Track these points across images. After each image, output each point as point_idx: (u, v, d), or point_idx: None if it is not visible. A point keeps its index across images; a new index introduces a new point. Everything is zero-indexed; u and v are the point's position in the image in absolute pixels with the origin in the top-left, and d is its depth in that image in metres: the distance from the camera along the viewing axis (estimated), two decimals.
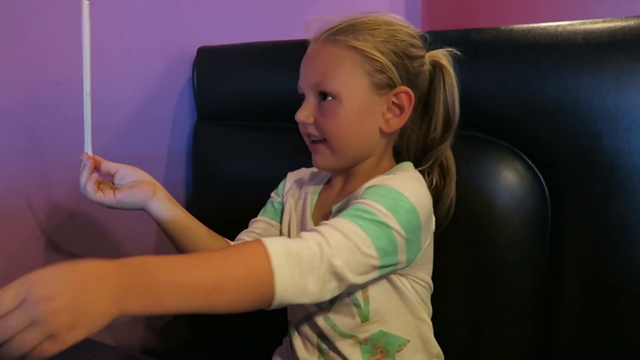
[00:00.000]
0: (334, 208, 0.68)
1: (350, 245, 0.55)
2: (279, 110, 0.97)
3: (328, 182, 0.77)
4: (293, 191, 0.80)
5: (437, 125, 0.70)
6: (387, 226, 0.58)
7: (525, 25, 0.72)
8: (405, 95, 0.66)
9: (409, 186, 0.63)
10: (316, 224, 0.71)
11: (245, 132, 1.03)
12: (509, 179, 0.73)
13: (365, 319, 0.66)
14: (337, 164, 0.70)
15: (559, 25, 0.70)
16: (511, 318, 0.75)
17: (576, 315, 0.72)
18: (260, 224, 0.79)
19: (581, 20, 0.69)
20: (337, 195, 0.73)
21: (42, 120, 0.83)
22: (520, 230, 0.74)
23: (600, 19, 0.68)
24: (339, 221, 0.57)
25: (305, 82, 0.68)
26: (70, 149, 0.87)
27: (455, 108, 0.69)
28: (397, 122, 0.67)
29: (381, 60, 0.64)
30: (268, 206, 0.82)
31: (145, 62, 0.98)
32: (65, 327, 0.40)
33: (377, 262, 0.57)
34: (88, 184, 0.67)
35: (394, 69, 0.65)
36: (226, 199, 1.03)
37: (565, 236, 0.72)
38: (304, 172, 0.83)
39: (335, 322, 0.67)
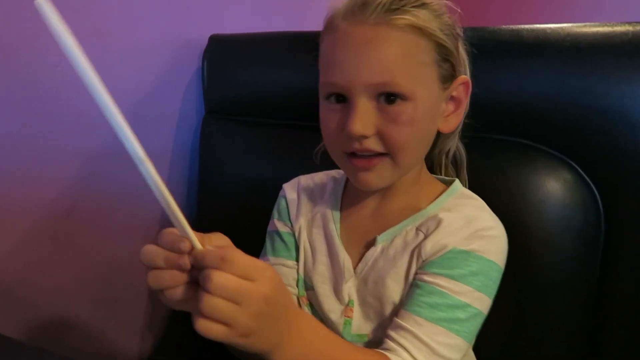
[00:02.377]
0: (380, 238, 0.59)
1: None
2: (294, 106, 0.91)
3: (344, 194, 0.66)
4: (304, 215, 0.66)
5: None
6: (480, 313, 0.54)
7: (582, 25, 0.66)
8: (464, 87, 0.58)
9: (497, 242, 0.56)
10: (349, 251, 0.62)
11: (256, 128, 0.96)
12: (560, 192, 0.67)
13: None
14: (392, 181, 0.58)
15: (624, 25, 0.63)
16: (554, 343, 0.69)
17: (624, 343, 0.66)
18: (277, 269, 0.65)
19: None
20: (371, 215, 0.62)
21: (39, 108, 0.75)
22: (569, 249, 0.67)
23: None
24: (433, 332, 0.52)
25: (359, 81, 0.51)
26: (69, 141, 0.79)
27: None
28: (456, 120, 0.59)
29: (447, 45, 0.54)
30: (276, 242, 0.67)
31: (152, 50, 0.90)
32: (243, 331, 0.39)
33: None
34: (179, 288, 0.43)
35: (457, 55, 0.56)
36: (234, 198, 0.96)
37: (618, 258, 0.66)
38: (304, 184, 0.70)
39: None
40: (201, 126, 1.01)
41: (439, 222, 0.57)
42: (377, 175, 0.55)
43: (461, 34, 0.58)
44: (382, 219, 0.61)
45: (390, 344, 0.52)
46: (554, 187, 0.67)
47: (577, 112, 0.65)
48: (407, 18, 0.51)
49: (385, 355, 0.50)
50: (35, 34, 0.72)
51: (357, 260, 0.61)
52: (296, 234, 0.66)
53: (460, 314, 0.53)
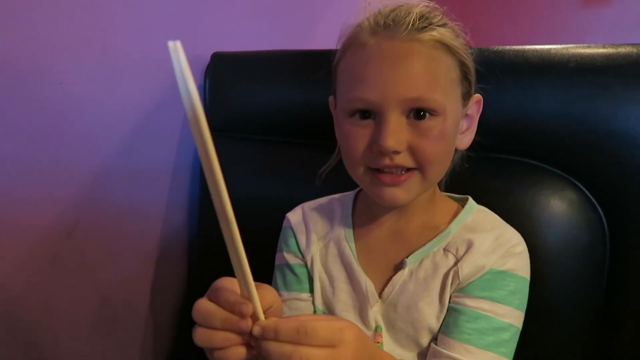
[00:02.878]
0: (409, 261, 0.58)
1: None
2: (296, 123, 0.91)
3: (354, 216, 0.65)
4: (315, 243, 0.64)
5: None
6: (519, 330, 0.55)
7: (585, 46, 0.66)
8: (477, 105, 0.58)
9: (525, 257, 0.59)
10: (370, 274, 0.61)
11: (258, 145, 0.96)
12: (565, 212, 0.66)
13: None
14: (418, 196, 0.57)
15: (628, 47, 0.64)
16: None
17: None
18: (289, 305, 0.63)
19: None
20: (389, 235, 0.62)
21: (41, 125, 0.74)
22: (575, 269, 0.67)
23: None
24: (484, 359, 0.52)
25: (393, 95, 0.51)
26: (71, 158, 0.78)
27: None
28: (470, 137, 0.59)
29: (467, 63, 0.55)
30: (287, 275, 0.65)
31: (155, 67, 0.90)
32: None
33: None
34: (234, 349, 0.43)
35: (474, 73, 0.56)
36: (235, 216, 0.95)
37: (624, 278, 0.66)
38: (307, 211, 0.68)
39: None
40: None
41: (470, 244, 0.57)
42: (405, 190, 0.55)
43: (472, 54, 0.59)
44: (402, 240, 0.60)
45: None
46: (559, 207, 0.67)
47: (583, 132, 0.65)
48: (435, 35, 0.52)
49: None
50: (39, 51, 0.71)
51: (382, 284, 0.60)
52: (309, 264, 0.64)
53: (505, 336, 0.53)
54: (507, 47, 0.70)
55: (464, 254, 0.57)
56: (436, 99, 0.52)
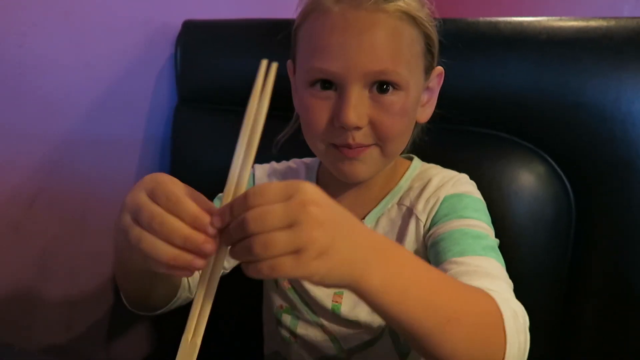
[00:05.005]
0: (366, 221, 0.59)
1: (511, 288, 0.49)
2: (272, 95, 0.89)
3: (318, 183, 0.64)
4: None
5: None
6: (497, 244, 0.54)
7: (557, 19, 0.66)
8: (439, 78, 0.58)
9: (475, 186, 0.60)
10: None
11: (231, 117, 0.93)
12: (533, 184, 0.67)
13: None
14: (379, 171, 0.57)
15: (598, 20, 0.64)
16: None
17: (595, 331, 0.68)
18: None
19: None
20: (351, 204, 0.59)
21: (0, 89, 0.71)
22: (541, 241, 0.68)
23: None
24: (485, 262, 0.49)
25: (357, 68, 0.50)
26: (33, 124, 0.75)
27: None
28: (430, 110, 0.59)
29: (432, 36, 0.54)
30: None
31: (122, 34, 0.87)
32: (317, 248, 0.33)
33: None
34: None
35: (437, 46, 0.55)
36: (208, 190, 0.92)
37: (589, 250, 0.67)
38: (277, 168, 0.68)
39: None
40: (173, 114, 0.98)
41: (420, 189, 0.59)
42: (366, 165, 0.54)
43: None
44: (362, 206, 0.61)
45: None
46: (527, 179, 0.67)
47: (552, 105, 0.65)
48: (401, 5, 0.51)
49: (488, 294, 0.43)
50: None
51: None
52: None
53: (490, 243, 0.53)
54: (480, 19, 0.70)
55: (416, 198, 0.58)
56: (400, 72, 0.51)
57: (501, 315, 0.41)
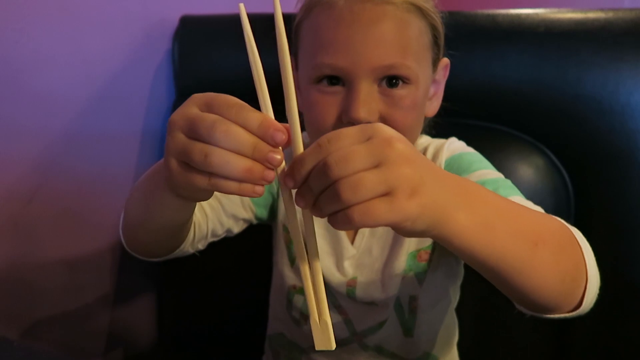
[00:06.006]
0: None
1: None
2: (268, 89, 0.89)
3: None
4: None
5: None
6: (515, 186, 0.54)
7: (556, 11, 0.66)
8: (444, 70, 0.57)
9: (465, 144, 0.61)
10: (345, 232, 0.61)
11: None
12: (532, 177, 0.67)
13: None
14: None
15: (597, 12, 0.64)
16: (524, 328, 0.70)
17: (593, 324, 0.68)
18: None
19: None
20: None
21: None
22: None
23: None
24: (519, 200, 0.49)
25: (366, 62, 0.48)
26: (31, 121, 0.75)
27: None
28: (437, 104, 0.58)
29: (438, 28, 0.53)
30: None
31: (120, 29, 0.86)
32: (409, 187, 0.30)
33: None
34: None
35: (443, 38, 0.54)
36: None
37: (588, 239, 0.66)
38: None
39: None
40: (172, 110, 0.98)
41: None
42: None
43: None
44: None
45: None
46: (526, 172, 0.68)
47: (551, 98, 0.65)
48: None
49: (552, 216, 0.44)
50: None
51: (352, 234, 0.60)
52: (275, 196, 0.63)
53: (508, 183, 0.53)
54: (479, 12, 0.69)
55: None
56: (410, 65, 0.50)
57: (572, 233, 0.41)
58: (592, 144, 0.65)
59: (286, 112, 0.33)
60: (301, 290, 0.64)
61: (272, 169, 0.32)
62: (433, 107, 0.58)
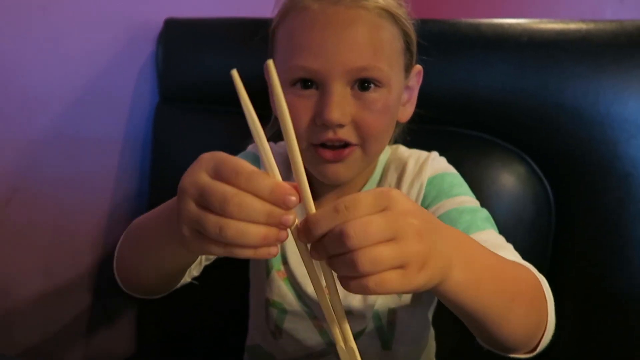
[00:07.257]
0: None
1: None
2: (252, 93, 0.87)
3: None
4: None
5: None
6: (489, 216, 0.56)
7: (538, 21, 0.67)
8: (417, 76, 0.58)
9: (444, 160, 0.61)
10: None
11: (213, 116, 0.93)
12: (513, 185, 0.68)
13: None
14: (360, 172, 0.57)
15: (578, 23, 0.65)
16: None
17: (575, 330, 0.68)
18: None
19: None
20: (332, 198, 0.60)
21: None
22: (521, 241, 0.67)
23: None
24: (490, 235, 0.51)
25: (338, 65, 0.49)
26: (8, 124, 0.74)
27: None
28: (411, 110, 0.59)
29: (410, 34, 0.54)
30: None
31: (102, 31, 0.85)
32: (420, 261, 0.33)
33: None
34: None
35: (415, 44, 0.55)
36: None
37: (568, 251, 0.68)
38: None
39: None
40: (154, 113, 0.97)
41: (398, 173, 0.59)
42: (347, 167, 0.54)
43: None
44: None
45: None
46: (508, 180, 0.68)
47: (533, 107, 0.66)
48: (379, 2, 0.51)
49: (524, 266, 0.47)
50: None
51: None
52: None
53: (483, 214, 0.54)
54: (463, 21, 0.70)
55: (398, 184, 0.59)
56: (382, 68, 0.50)
57: (541, 285, 0.44)
58: (572, 153, 0.66)
59: (292, 169, 0.34)
60: (275, 303, 0.62)
61: (285, 229, 0.34)
62: (407, 112, 0.59)
